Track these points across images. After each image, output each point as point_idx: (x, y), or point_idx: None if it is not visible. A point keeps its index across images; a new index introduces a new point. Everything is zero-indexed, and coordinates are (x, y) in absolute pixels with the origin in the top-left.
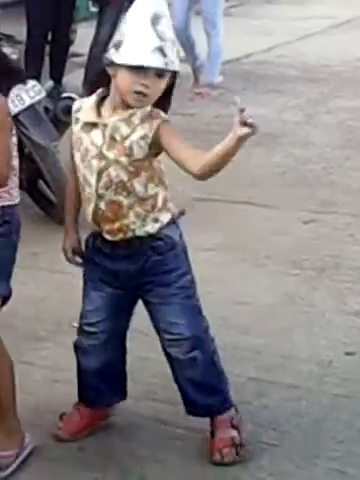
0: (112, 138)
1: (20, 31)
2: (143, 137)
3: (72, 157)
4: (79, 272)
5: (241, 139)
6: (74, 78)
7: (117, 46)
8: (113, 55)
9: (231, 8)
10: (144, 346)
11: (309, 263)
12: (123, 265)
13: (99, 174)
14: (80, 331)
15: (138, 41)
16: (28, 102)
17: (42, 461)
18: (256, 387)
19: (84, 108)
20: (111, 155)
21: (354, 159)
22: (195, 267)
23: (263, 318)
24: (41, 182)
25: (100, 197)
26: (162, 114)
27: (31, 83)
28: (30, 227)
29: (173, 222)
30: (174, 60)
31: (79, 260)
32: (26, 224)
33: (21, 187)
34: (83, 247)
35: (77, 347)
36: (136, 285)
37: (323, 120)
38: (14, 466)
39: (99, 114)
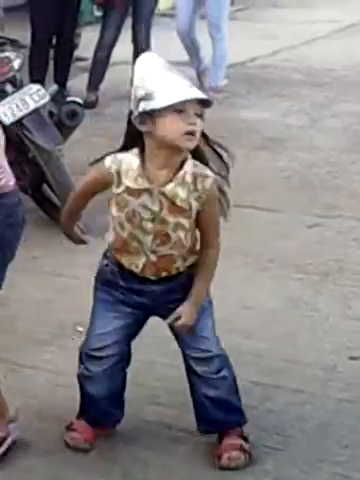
0: (172, 203)
1: (24, 35)
2: (198, 198)
3: (84, 192)
4: (82, 275)
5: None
6: (78, 82)
7: (148, 97)
8: (147, 107)
9: (236, 12)
10: (148, 350)
11: (313, 267)
12: (153, 286)
13: (155, 235)
14: (85, 358)
15: (172, 83)
16: (32, 106)
17: (46, 465)
18: (260, 391)
19: (126, 171)
20: (172, 219)
21: (359, 163)
22: None
23: (267, 322)
24: (45, 186)
25: (153, 252)
26: (209, 173)
27: (35, 87)
28: (33, 231)
29: None
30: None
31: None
32: (29, 228)
33: (25, 191)
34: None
35: (83, 376)
36: (163, 303)
37: (328, 124)
38: (2, 449)
39: (148, 178)
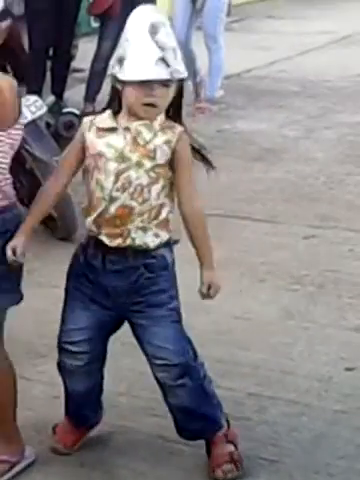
0: (134, 141)
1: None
2: (167, 142)
3: (65, 161)
4: None
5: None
6: (75, 93)
7: (120, 62)
8: (118, 73)
9: (232, 23)
10: (143, 361)
11: (309, 278)
12: (114, 280)
13: (117, 176)
14: (61, 350)
15: (140, 55)
16: (29, 117)
17: (43, 477)
18: (256, 402)
19: (98, 118)
20: (134, 157)
21: (354, 174)
22: (195, 282)
23: (263, 333)
24: None
25: (112, 200)
26: (178, 125)
27: (32, 98)
28: (29, 242)
29: (169, 244)
30: (178, 68)
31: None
32: None
33: (22, 202)
34: (71, 262)
35: (61, 367)
36: (126, 304)
37: (323, 135)
38: (10, 475)
39: (117, 121)
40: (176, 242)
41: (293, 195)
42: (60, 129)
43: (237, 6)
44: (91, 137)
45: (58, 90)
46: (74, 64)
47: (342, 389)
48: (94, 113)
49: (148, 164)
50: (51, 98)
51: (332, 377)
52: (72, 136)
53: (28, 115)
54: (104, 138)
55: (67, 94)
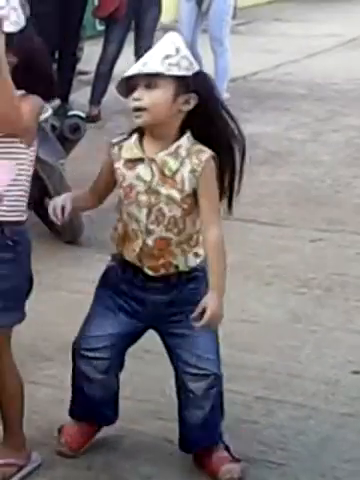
0: (162, 172)
1: None
2: (192, 171)
3: (95, 183)
4: (84, 290)
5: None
6: (81, 96)
7: None
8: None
9: (238, 26)
10: (149, 365)
11: (316, 281)
12: (156, 295)
13: (149, 209)
14: (78, 356)
15: (137, 62)
16: None
17: None
18: (263, 406)
19: (126, 145)
20: (163, 190)
21: None
22: None
23: (270, 336)
24: (48, 200)
25: (149, 233)
26: (208, 150)
27: None
28: (34, 245)
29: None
30: (157, 66)
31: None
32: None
33: (28, 205)
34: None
35: (76, 371)
36: (164, 316)
37: (330, 138)
38: (16, 478)
39: (142, 149)
40: None
41: (300, 198)
42: (65, 132)
43: (243, 9)
44: (121, 168)
45: (64, 93)
46: (79, 67)
47: (349, 392)
48: (121, 135)
49: (178, 196)
50: (56, 101)
51: (339, 380)
52: (77, 139)
53: None
54: (133, 170)
55: (72, 97)
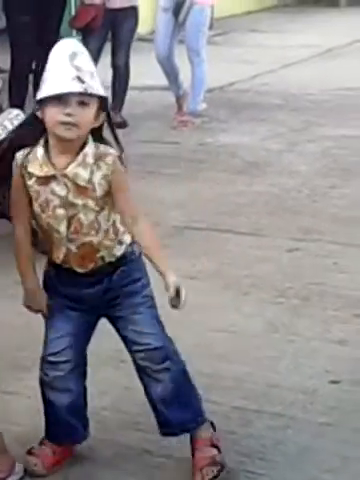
0: (75, 185)
1: (4, 60)
2: (103, 177)
3: (15, 205)
4: None
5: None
6: None
7: (41, 86)
8: (38, 95)
9: (215, 36)
10: (127, 375)
11: (293, 291)
12: (88, 288)
13: (69, 221)
14: (44, 364)
15: (57, 74)
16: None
17: None
18: (241, 416)
19: (32, 162)
20: (79, 201)
21: (338, 187)
22: None
23: (247, 346)
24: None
25: (71, 241)
26: (111, 150)
27: (15, 112)
28: (11, 256)
29: (134, 241)
30: (94, 85)
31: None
32: (7, 253)
33: (4, 216)
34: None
35: (43, 382)
36: (103, 303)
37: (306, 148)
38: None
39: (52, 164)
40: None
41: (277, 208)
42: None
43: (220, 19)
44: (34, 186)
45: None
46: None
47: (327, 402)
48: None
49: (93, 203)
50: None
51: (317, 390)
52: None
53: (11, 128)
54: (47, 185)
55: None
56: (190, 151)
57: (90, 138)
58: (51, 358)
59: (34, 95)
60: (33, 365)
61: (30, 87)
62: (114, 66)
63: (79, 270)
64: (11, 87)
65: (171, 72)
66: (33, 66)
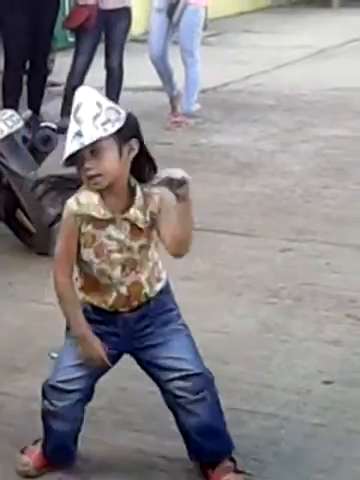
0: (133, 228)
1: None
2: (152, 214)
3: (66, 253)
4: (57, 302)
5: (184, 199)
6: (52, 107)
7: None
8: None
9: (209, 37)
10: (124, 376)
11: (286, 291)
12: (126, 315)
13: (124, 265)
14: (50, 391)
15: (69, 134)
16: (6, 132)
17: None
18: (234, 416)
19: (88, 206)
20: (135, 244)
21: (331, 187)
22: (180, 298)
23: (241, 347)
24: (19, 212)
25: (122, 283)
26: (154, 190)
27: (9, 113)
28: (7, 257)
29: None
30: (93, 132)
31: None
32: (3, 254)
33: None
34: None
35: (47, 411)
36: (136, 332)
37: (300, 149)
38: None
39: (109, 209)
40: None
41: (270, 208)
42: (37, 143)
43: (213, 20)
44: (90, 231)
45: (35, 104)
46: (51, 78)
47: (321, 402)
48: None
49: (146, 241)
50: (28, 112)
51: (310, 390)
52: (49, 150)
53: (5, 129)
54: (103, 229)
55: (44, 108)
56: (183, 152)
57: (134, 181)
58: (60, 385)
59: (29, 96)
60: (27, 366)
61: (24, 88)
62: (108, 67)
63: (124, 310)
64: (5, 88)
65: (165, 73)
66: (27, 67)
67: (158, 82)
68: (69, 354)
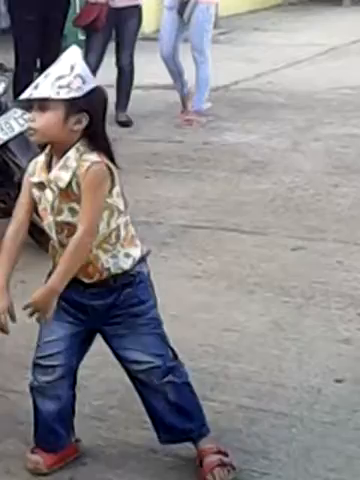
0: (59, 188)
1: (8, 59)
2: (76, 181)
3: (20, 205)
4: None
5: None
6: None
7: None
8: None
9: (219, 35)
10: None
11: (298, 290)
12: (93, 300)
13: (57, 226)
14: (35, 368)
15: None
16: (17, 130)
17: None
18: (246, 415)
19: (34, 168)
20: (65, 205)
21: (342, 186)
22: (184, 294)
23: (252, 345)
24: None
25: (63, 246)
26: (92, 157)
27: (20, 111)
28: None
29: (142, 258)
30: (44, 90)
31: (10, 322)
32: None
33: (11, 215)
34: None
35: (33, 387)
36: (104, 318)
37: (311, 147)
38: None
39: (44, 171)
40: (148, 253)
41: (281, 207)
42: None
43: (224, 18)
44: (35, 192)
45: None
46: None
47: (332, 401)
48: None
49: (77, 206)
50: None
51: (322, 389)
52: None
53: (16, 128)
54: (43, 191)
55: None
56: (195, 150)
57: (78, 144)
58: (41, 361)
59: None
60: None
61: None
62: (118, 65)
63: (85, 280)
64: (16, 86)
65: (176, 71)
66: (38, 65)
67: (169, 80)
68: (46, 329)
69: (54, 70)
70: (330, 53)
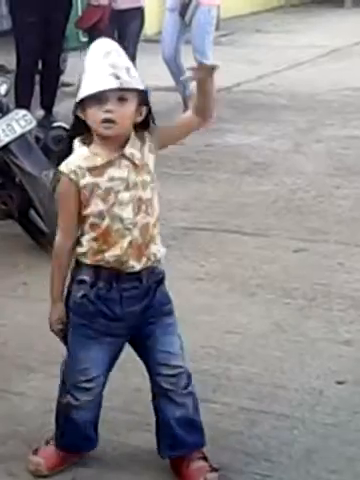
0: (133, 164)
1: (10, 60)
2: (150, 150)
3: (66, 215)
4: None
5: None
6: (65, 107)
7: (79, 88)
8: (77, 97)
9: (221, 37)
10: (138, 376)
11: (299, 292)
12: (131, 306)
13: (134, 203)
14: (74, 390)
15: (93, 74)
16: (19, 131)
17: None
18: (247, 417)
19: (78, 158)
20: (139, 178)
21: (344, 187)
22: (186, 296)
23: (254, 347)
24: (32, 211)
25: (135, 225)
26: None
27: (22, 112)
28: (21, 257)
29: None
30: (130, 80)
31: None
32: (17, 253)
33: (12, 217)
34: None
35: (70, 405)
36: (141, 322)
37: (313, 149)
38: None
39: (100, 155)
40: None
41: (283, 208)
42: (49, 143)
43: (225, 20)
44: (90, 180)
45: (47, 104)
46: (63, 78)
47: (333, 402)
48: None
49: (149, 178)
50: (40, 112)
51: (323, 391)
52: (61, 150)
53: (17, 129)
54: (103, 175)
55: (56, 108)
56: (196, 152)
57: (133, 134)
58: (85, 385)
59: (41, 96)
60: (40, 366)
61: (36, 88)
62: None
63: (135, 265)
64: (17, 88)
65: (177, 73)
66: (39, 67)
67: (171, 82)
68: (82, 355)
69: (118, 62)
70: (332, 55)
